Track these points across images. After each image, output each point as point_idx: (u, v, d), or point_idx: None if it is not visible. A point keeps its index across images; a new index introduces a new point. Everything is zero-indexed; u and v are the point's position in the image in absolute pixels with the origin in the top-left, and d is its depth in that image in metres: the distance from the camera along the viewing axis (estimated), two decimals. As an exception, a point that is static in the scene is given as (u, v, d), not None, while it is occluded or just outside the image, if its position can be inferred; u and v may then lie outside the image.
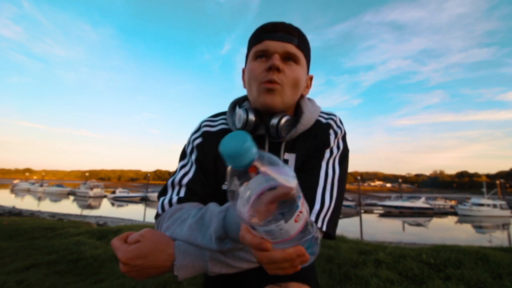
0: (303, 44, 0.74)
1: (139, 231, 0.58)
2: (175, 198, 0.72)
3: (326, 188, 0.69)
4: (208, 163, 0.77)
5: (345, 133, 0.79)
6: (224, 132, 0.80)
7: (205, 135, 0.80)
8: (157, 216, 0.72)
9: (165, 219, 0.68)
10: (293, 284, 0.59)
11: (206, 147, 0.78)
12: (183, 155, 0.83)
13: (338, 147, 0.76)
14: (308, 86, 0.83)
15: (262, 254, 0.44)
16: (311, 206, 0.66)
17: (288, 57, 0.71)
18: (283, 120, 0.71)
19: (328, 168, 0.72)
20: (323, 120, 0.79)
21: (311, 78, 0.83)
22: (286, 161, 0.74)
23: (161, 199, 0.74)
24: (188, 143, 0.83)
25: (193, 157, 0.79)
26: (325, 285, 2.60)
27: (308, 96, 0.85)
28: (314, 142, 0.75)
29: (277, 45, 0.70)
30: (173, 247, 0.58)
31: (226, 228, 0.57)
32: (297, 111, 0.81)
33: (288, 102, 0.73)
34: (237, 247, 0.58)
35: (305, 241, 0.46)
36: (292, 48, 0.71)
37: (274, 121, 0.71)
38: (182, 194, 0.73)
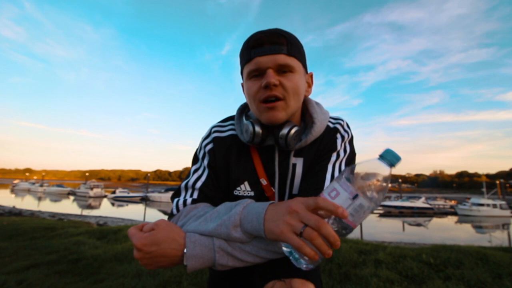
0: (294, 49, 0.72)
1: (154, 221, 0.62)
2: (189, 200, 0.74)
3: None
4: (220, 168, 0.79)
5: (352, 137, 0.81)
6: (233, 139, 0.81)
7: (215, 140, 0.82)
8: (171, 216, 0.74)
9: (180, 218, 0.70)
10: (297, 280, 0.60)
11: (217, 152, 0.80)
12: (195, 160, 0.85)
13: (345, 151, 0.78)
14: (309, 85, 0.82)
15: (325, 226, 0.48)
16: None
17: (282, 69, 0.70)
18: (292, 132, 0.72)
19: (334, 171, 0.74)
20: (331, 125, 0.80)
21: (311, 76, 0.82)
22: (294, 166, 0.77)
23: (175, 200, 0.76)
24: (200, 148, 0.85)
25: (205, 162, 0.81)
26: (325, 285, 2.61)
27: (309, 96, 0.84)
28: (321, 146, 0.77)
29: (267, 60, 0.69)
30: (184, 237, 0.60)
31: (242, 216, 0.59)
32: (305, 117, 0.82)
33: (292, 112, 0.74)
34: (246, 239, 0.60)
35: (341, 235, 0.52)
36: (283, 59, 0.69)
37: (283, 133, 0.72)
38: (195, 196, 0.76)
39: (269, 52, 0.69)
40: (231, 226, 0.59)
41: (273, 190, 0.76)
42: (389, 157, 0.53)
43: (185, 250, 0.59)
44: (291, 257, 0.54)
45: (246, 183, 0.77)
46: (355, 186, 0.52)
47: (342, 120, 0.82)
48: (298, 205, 0.52)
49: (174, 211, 0.74)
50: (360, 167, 0.54)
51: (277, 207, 0.57)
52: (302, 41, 0.78)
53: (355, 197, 0.51)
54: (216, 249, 0.59)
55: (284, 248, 0.55)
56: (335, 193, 0.53)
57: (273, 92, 0.69)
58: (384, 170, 0.53)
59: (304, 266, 0.53)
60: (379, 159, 0.54)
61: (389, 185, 0.54)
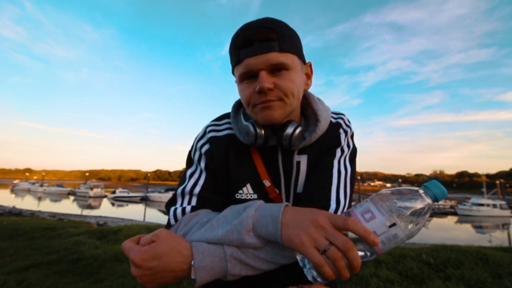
0: (287, 43, 0.64)
1: (153, 232, 0.55)
2: (188, 207, 0.67)
3: (340, 187, 0.68)
4: (218, 170, 0.73)
5: (353, 133, 0.78)
6: (231, 138, 0.76)
7: (212, 140, 0.76)
8: (169, 226, 0.68)
9: (179, 228, 0.63)
10: (316, 286, 0.55)
11: (215, 153, 0.74)
12: (189, 162, 0.78)
13: (348, 146, 0.75)
14: (309, 76, 0.76)
15: (354, 250, 0.45)
16: (326, 206, 0.64)
17: (276, 68, 0.63)
18: (297, 132, 0.67)
19: (340, 167, 0.70)
20: (333, 120, 0.77)
21: (310, 66, 0.75)
22: (298, 163, 0.73)
23: (172, 209, 0.69)
24: (195, 149, 0.78)
25: (202, 164, 0.74)
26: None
27: (311, 88, 0.80)
28: (324, 142, 0.74)
29: (258, 61, 0.62)
30: (190, 248, 0.54)
31: (255, 220, 0.54)
32: (305, 112, 0.78)
33: (290, 110, 0.69)
34: (259, 245, 0.55)
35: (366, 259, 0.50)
36: (275, 57, 0.62)
37: (287, 133, 0.67)
38: (194, 203, 0.69)
39: (260, 52, 0.61)
40: (243, 231, 0.53)
41: (277, 192, 0.71)
42: (435, 191, 0.49)
43: (192, 262, 0.52)
44: (305, 269, 0.50)
45: (248, 185, 0.71)
46: (393, 213, 0.47)
47: (344, 115, 0.79)
48: (325, 220, 0.48)
49: (172, 220, 0.67)
50: (401, 194, 0.49)
51: (298, 214, 0.52)
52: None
53: (392, 225, 0.47)
54: (228, 258, 0.53)
55: (298, 257, 0.51)
56: (370, 215, 0.48)
57: (268, 97, 0.64)
58: (425, 202, 0.48)
59: (317, 279, 0.49)
60: (423, 189, 0.50)
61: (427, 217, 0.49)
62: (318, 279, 0.49)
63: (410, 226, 0.47)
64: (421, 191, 0.49)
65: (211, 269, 0.52)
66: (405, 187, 0.51)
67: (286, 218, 0.52)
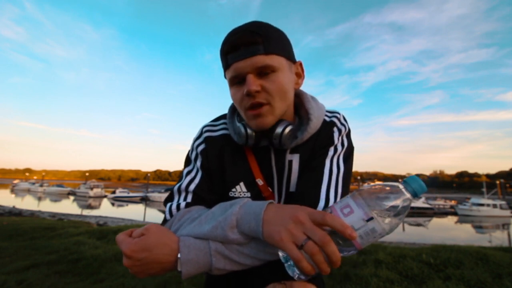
0: (273, 45, 0.66)
1: (144, 226, 0.59)
2: (183, 204, 0.71)
3: (330, 185, 0.68)
4: (214, 169, 0.76)
5: (349, 131, 0.78)
6: (226, 138, 0.78)
7: (207, 140, 0.79)
8: (164, 221, 0.71)
9: (173, 223, 0.67)
10: (298, 283, 0.57)
11: (210, 152, 0.78)
12: (187, 161, 0.82)
13: (342, 145, 0.75)
14: (299, 75, 0.77)
15: (331, 244, 0.46)
16: (315, 204, 0.65)
17: (263, 71, 0.65)
18: (286, 131, 0.69)
19: (332, 166, 0.71)
20: (327, 119, 0.77)
21: (300, 65, 0.76)
22: (290, 162, 0.74)
23: (168, 205, 0.73)
24: (192, 149, 0.82)
25: (198, 163, 0.78)
26: (325, 285, 2.61)
27: (302, 85, 0.80)
28: (318, 141, 0.74)
29: (245, 65, 0.64)
30: (177, 242, 0.57)
31: (239, 217, 0.57)
32: (299, 111, 0.79)
33: (280, 113, 0.70)
34: (243, 241, 0.57)
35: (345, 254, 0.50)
36: (261, 60, 0.64)
37: (277, 132, 0.69)
38: (189, 199, 0.72)
39: (245, 56, 0.64)
40: (227, 228, 0.56)
41: (270, 190, 0.73)
42: (414, 185, 0.49)
43: (179, 255, 0.55)
44: (286, 264, 0.51)
45: (241, 184, 0.74)
46: (371, 207, 0.48)
47: (339, 113, 0.78)
48: (304, 215, 0.50)
49: (167, 216, 0.70)
50: (380, 189, 0.50)
51: (279, 210, 0.54)
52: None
53: (369, 219, 0.47)
54: (213, 253, 0.56)
55: (280, 253, 0.52)
56: (349, 210, 0.49)
57: (256, 100, 0.66)
58: (405, 197, 0.49)
59: (297, 276, 0.50)
60: (402, 184, 0.50)
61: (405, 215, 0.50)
62: (301, 276, 0.50)
63: (387, 220, 0.48)
64: (401, 186, 0.50)
65: (196, 263, 0.56)
66: (386, 182, 0.52)
67: (268, 216, 0.54)
